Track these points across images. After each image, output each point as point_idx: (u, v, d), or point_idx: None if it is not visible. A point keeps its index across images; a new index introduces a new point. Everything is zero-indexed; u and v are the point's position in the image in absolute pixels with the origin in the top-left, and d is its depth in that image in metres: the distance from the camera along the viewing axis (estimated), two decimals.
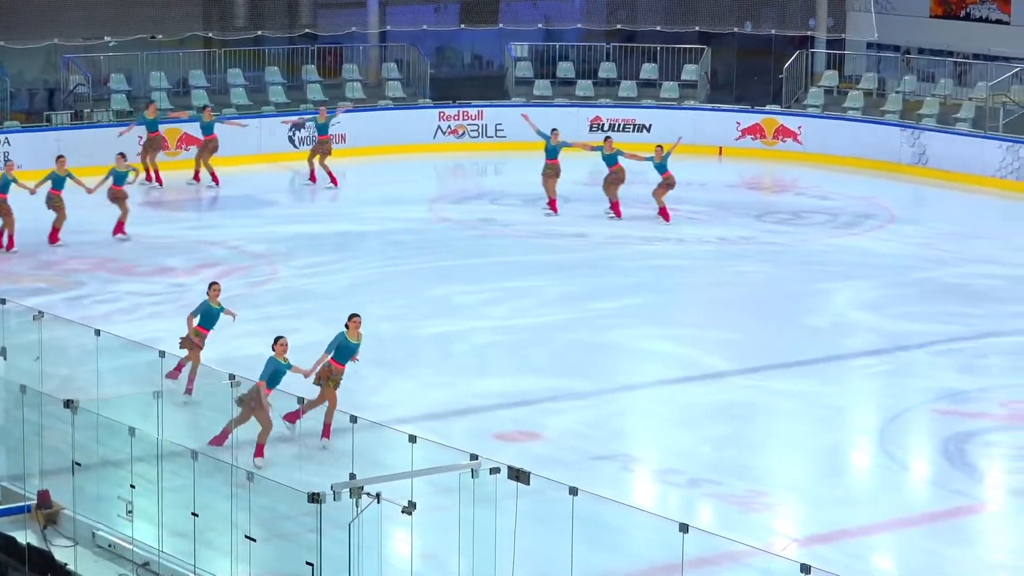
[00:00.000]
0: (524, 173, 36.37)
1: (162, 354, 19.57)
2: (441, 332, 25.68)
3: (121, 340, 21.48)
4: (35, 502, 17.39)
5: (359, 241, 32.28)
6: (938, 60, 41.88)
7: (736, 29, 43.39)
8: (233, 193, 36.20)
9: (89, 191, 30.43)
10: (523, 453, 19.88)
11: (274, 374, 19.35)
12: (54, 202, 30.30)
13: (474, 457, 15.17)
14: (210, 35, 41.78)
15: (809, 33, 43.52)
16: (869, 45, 43.57)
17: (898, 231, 33.64)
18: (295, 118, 39.36)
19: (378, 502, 14.34)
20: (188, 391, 21.16)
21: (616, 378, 23.98)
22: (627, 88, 43.01)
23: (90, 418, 17.18)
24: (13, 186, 30.08)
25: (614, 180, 33.44)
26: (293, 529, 15.97)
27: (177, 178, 36.70)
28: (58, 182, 30.22)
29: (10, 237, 29.99)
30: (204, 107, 37.88)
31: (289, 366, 19.49)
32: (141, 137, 37.23)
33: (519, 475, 14.49)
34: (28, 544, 16.46)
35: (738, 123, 41.45)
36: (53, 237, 30.41)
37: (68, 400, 17.08)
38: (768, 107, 41.73)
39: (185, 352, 21.43)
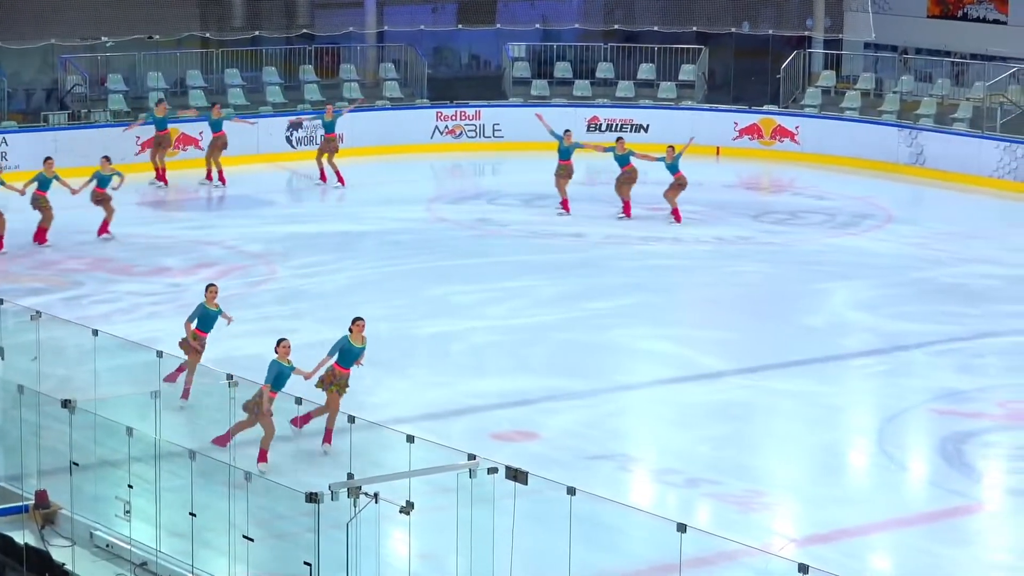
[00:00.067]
0: (521, 173, 36.39)
1: (160, 354, 19.55)
2: (439, 332, 25.67)
3: (119, 340, 21.47)
4: (33, 502, 17.38)
5: (357, 241, 32.27)
6: (935, 60, 41.88)
7: (734, 29, 43.41)
8: (231, 193, 36.21)
9: (74, 192, 30.45)
10: (521, 453, 19.87)
11: (278, 376, 19.18)
12: (39, 203, 30.33)
13: (472, 457, 15.17)
14: (207, 35, 41.77)
15: (806, 33, 43.54)
16: (866, 45, 43.58)
17: (895, 231, 33.64)
18: (303, 117, 39.43)
19: (376, 502, 14.34)
20: (184, 396, 21.01)
21: (614, 378, 23.98)
22: (625, 88, 43.01)
23: (88, 418, 17.18)
24: (1, 188, 30.19)
25: (626, 180, 33.50)
26: (291, 529, 15.96)
27: (177, 178, 36.68)
28: (44, 183, 30.27)
29: (0, 238, 30.04)
30: (213, 104, 37.85)
31: (292, 368, 19.34)
32: (139, 137, 37.31)
33: (517, 475, 14.49)
34: (26, 544, 16.45)
35: (735, 123, 41.46)
36: (41, 238, 30.40)
37: (66, 400, 17.06)
38: (766, 107, 41.74)
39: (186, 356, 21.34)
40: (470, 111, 41.80)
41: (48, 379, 20.04)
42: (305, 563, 14.53)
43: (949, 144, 38.68)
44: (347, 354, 19.90)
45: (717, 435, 21.49)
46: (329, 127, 36.51)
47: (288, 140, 39.78)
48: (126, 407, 18.46)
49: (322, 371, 19.89)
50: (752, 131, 41.34)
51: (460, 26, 44.36)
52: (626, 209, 33.55)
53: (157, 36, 40.46)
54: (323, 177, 36.76)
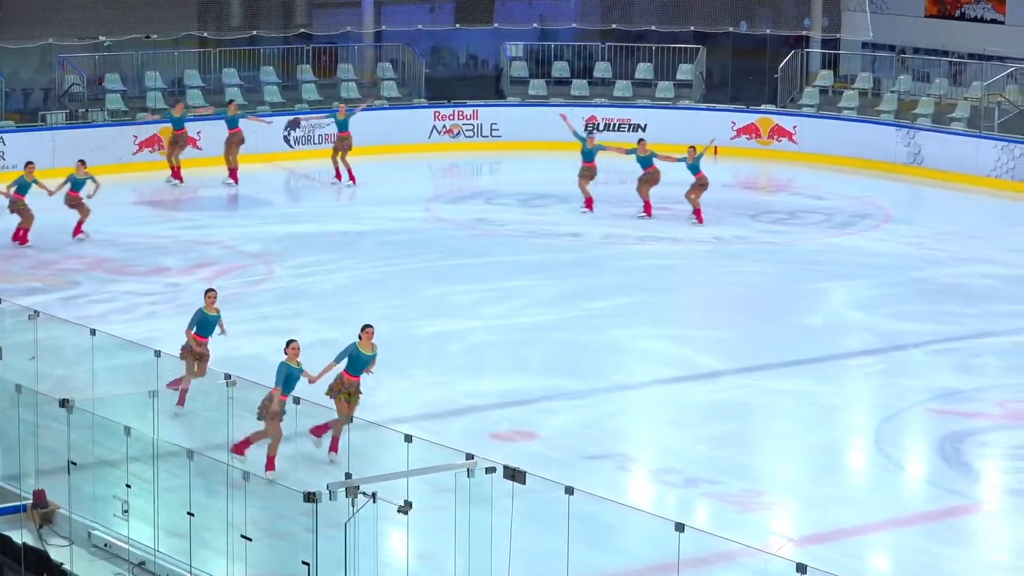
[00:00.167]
0: (519, 173, 36.39)
1: (158, 354, 19.51)
2: (437, 332, 25.66)
3: (117, 340, 21.45)
4: (31, 502, 17.37)
5: (355, 241, 32.26)
6: (933, 60, 41.88)
7: (731, 29, 43.40)
8: (230, 193, 36.18)
9: (50, 193, 30.47)
10: (519, 452, 19.85)
11: (288, 379, 18.88)
12: (17, 206, 30.36)
13: (470, 457, 15.16)
14: (205, 35, 41.75)
15: (804, 33, 43.52)
16: (864, 45, 43.58)
17: (893, 231, 33.64)
18: (313, 116, 39.48)
19: (374, 502, 14.32)
20: (180, 403, 20.87)
21: (612, 378, 23.97)
22: (622, 88, 43.01)
23: (86, 418, 17.16)
24: None
25: (648, 180, 33.51)
26: (289, 529, 15.95)
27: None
28: (23, 187, 30.29)
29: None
30: (230, 101, 37.82)
31: (301, 370, 19.06)
32: (136, 136, 37.35)
33: (515, 475, 14.47)
34: (24, 544, 16.44)
35: (733, 123, 41.44)
36: (23, 238, 30.35)
37: (64, 400, 17.04)
38: (763, 107, 41.73)
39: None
40: (468, 111, 41.79)
41: (46, 379, 20.02)
42: (303, 563, 14.52)
43: (947, 144, 38.68)
44: (355, 361, 19.55)
45: (716, 435, 21.49)
46: (342, 125, 36.63)
47: (286, 139, 39.78)
48: (124, 407, 18.42)
49: (328, 376, 19.59)
50: (750, 131, 41.34)
51: (458, 26, 44.32)
52: (647, 209, 33.56)
53: (155, 36, 40.43)
54: (338, 176, 36.83)
